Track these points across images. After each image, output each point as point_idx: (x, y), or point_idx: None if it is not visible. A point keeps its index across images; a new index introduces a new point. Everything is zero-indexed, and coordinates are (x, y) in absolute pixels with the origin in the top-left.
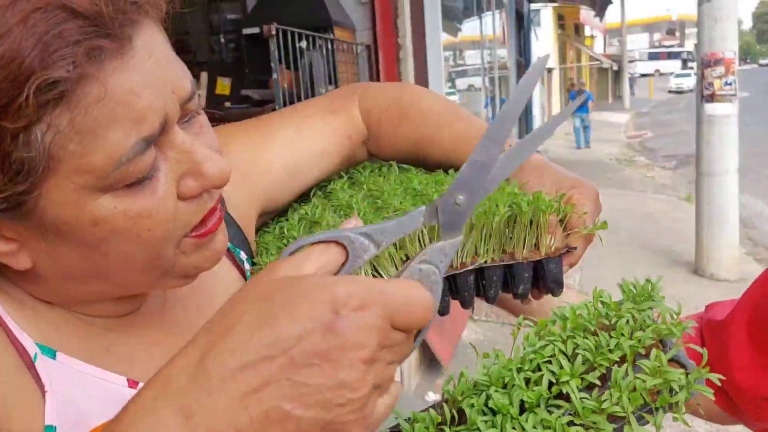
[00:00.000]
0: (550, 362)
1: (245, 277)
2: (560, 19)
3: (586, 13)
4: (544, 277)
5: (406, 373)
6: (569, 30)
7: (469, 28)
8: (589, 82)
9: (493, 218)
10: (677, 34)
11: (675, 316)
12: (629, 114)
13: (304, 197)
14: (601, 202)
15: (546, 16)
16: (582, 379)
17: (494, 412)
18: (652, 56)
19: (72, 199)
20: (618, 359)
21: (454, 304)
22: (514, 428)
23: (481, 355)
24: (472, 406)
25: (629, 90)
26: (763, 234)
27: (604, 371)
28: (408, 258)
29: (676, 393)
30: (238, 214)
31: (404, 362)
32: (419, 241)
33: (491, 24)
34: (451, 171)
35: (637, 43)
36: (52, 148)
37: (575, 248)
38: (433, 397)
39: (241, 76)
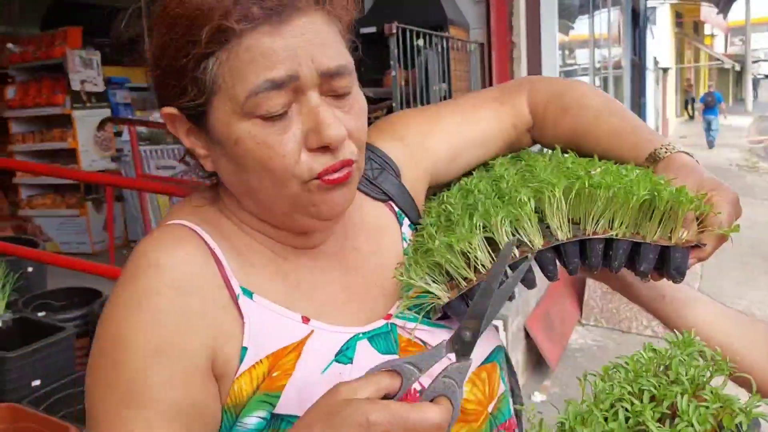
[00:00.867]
0: (621, 400)
1: (402, 239)
2: (678, 16)
3: (707, 11)
4: (667, 263)
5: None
6: (687, 28)
7: (581, 26)
8: (706, 84)
9: (632, 198)
10: None
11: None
12: (752, 117)
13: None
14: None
15: (663, 13)
16: (653, 412)
17: None
18: None
19: (226, 119)
20: (680, 392)
21: (562, 310)
22: None
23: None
24: None
25: (752, 92)
26: None
27: (670, 405)
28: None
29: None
30: (410, 186)
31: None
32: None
33: (603, 22)
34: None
35: (762, 42)
36: (216, 76)
37: (705, 245)
38: (539, 397)
39: (357, 74)
